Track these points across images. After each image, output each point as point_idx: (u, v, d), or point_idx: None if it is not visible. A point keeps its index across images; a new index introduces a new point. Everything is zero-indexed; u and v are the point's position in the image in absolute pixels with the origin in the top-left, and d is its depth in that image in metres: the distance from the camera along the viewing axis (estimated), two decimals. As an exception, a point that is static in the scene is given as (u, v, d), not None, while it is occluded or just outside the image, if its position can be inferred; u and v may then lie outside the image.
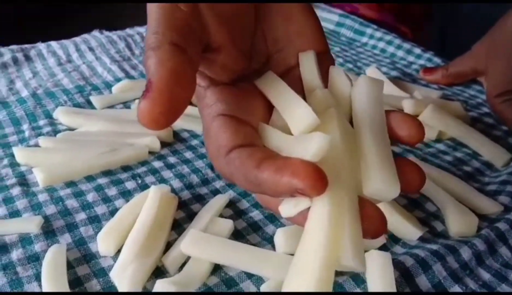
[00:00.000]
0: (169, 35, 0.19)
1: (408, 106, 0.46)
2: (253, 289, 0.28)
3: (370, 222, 0.20)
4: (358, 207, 0.20)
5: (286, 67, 0.25)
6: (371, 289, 0.26)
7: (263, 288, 0.27)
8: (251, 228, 0.32)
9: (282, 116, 0.23)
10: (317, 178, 0.17)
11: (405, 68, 0.60)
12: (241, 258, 0.27)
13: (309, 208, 0.19)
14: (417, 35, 0.72)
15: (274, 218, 0.33)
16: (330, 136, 0.19)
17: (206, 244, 0.28)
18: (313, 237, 0.18)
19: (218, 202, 0.33)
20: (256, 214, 0.33)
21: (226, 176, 0.21)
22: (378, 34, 0.67)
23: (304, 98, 0.24)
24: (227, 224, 0.31)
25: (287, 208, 0.20)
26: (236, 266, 0.28)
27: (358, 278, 0.27)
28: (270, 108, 0.24)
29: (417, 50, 0.63)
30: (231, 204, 0.34)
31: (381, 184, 0.20)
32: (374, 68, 0.56)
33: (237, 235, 0.31)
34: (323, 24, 0.27)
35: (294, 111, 0.22)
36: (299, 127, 0.21)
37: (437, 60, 0.60)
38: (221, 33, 0.22)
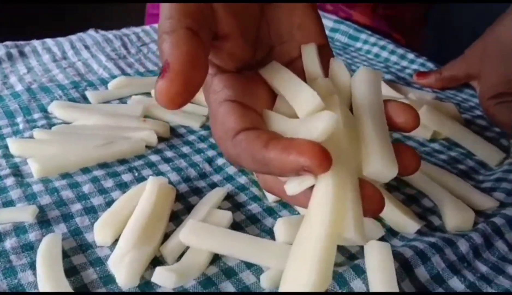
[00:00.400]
0: (183, 20, 0.20)
1: (403, 106, 0.47)
2: (252, 279, 0.27)
3: (370, 201, 0.20)
4: (358, 187, 0.20)
5: (288, 58, 0.26)
6: (371, 279, 0.26)
7: (263, 278, 0.27)
8: (249, 221, 0.32)
9: (287, 101, 0.23)
10: (323, 157, 0.18)
11: (399, 72, 0.61)
12: (240, 247, 0.27)
13: (312, 187, 0.20)
14: (410, 42, 0.73)
15: (272, 211, 0.33)
16: (337, 114, 0.19)
17: (205, 234, 0.28)
18: (318, 211, 0.19)
19: (216, 195, 0.33)
20: (254, 207, 0.33)
21: (233, 158, 0.22)
22: (372, 39, 0.68)
23: None
24: (226, 216, 0.31)
25: (292, 186, 0.21)
26: (235, 255, 0.28)
27: (358, 268, 0.27)
28: (273, 96, 0.25)
29: (411, 55, 0.64)
30: (229, 197, 0.34)
31: (380, 165, 0.21)
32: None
33: (235, 227, 0.31)
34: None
35: (299, 95, 0.22)
36: (304, 110, 0.22)
37: (430, 65, 0.61)
38: (229, 21, 0.23)
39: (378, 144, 0.21)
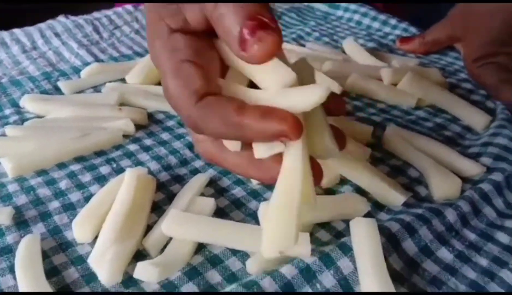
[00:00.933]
0: None
1: (386, 75, 0.46)
2: (238, 265, 0.27)
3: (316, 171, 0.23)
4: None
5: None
6: (358, 256, 0.26)
7: (249, 263, 0.26)
8: (234, 205, 0.31)
9: (240, 74, 0.23)
10: (299, 126, 0.20)
11: (381, 39, 0.59)
12: (225, 235, 0.27)
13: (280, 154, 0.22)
14: (390, 9, 0.71)
15: (257, 194, 0.32)
16: (328, 86, 0.20)
17: (188, 223, 0.27)
18: (293, 167, 0.21)
19: (198, 181, 0.32)
20: (238, 191, 0.32)
21: (196, 122, 0.22)
22: (353, 6, 0.66)
23: None
24: (209, 203, 0.30)
25: (262, 151, 0.22)
26: (220, 243, 0.27)
27: (345, 246, 0.26)
28: (225, 67, 0.25)
29: (393, 21, 0.62)
30: (212, 182, 0.33)
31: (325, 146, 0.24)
32: (351, 40, 0.55)
33: (220, 213, 0.30)
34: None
35: (272, 70, 0.22)
36: (279, 84, 0.22)
37: (412, 29, 0.60)
38: None
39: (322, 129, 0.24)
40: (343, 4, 0.67)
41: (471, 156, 0.36)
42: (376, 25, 0.63)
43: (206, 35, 0.24)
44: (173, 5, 0.24)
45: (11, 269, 0.26)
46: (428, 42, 0.54)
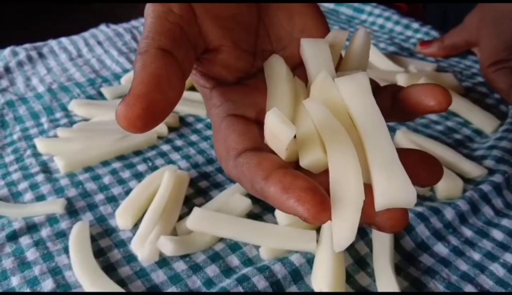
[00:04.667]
0: (158, 39, 0.19)
1: (401, 80, 0.48)
2: (254, 252, 0.31)
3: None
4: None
5: (292, 64, 0.24)
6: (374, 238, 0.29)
7: (262, 250, 0.30)
8: (253, 199, 0.35)
9: (277, 96, 0.22)
10: (322, 208, 0.17)
11: (402, 42, 0.61)
12: (243, 232, 0.31)
13: None
14: (414, 11, 0.73)
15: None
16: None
17: (207, 220, 0.31)
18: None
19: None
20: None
21: (234, 179, 0.21)
22: (377, 11, 0.68)
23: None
24: (245, 201, 0.34)
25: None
26: (239, 239, 0.31)
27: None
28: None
29: (415, 25, 0.64)
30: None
31: (395, 194, 0.18)
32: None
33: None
34: (322, 3, 0.26)
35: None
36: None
37: (434, 33, 0.62)
38: (218, 34, 0.22)
39: (386, 169, 0.18)
40: (368, 8, 0.69)
41: (476, 159, 0.38)
42: (398, 28, 0.65)
43: (251, 76, 0.24)
44: None
45: (66, 250, 0.31)
46: (447, 46, 0.56)
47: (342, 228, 0.17)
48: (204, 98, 0.24)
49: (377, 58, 0.55)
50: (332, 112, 0.20)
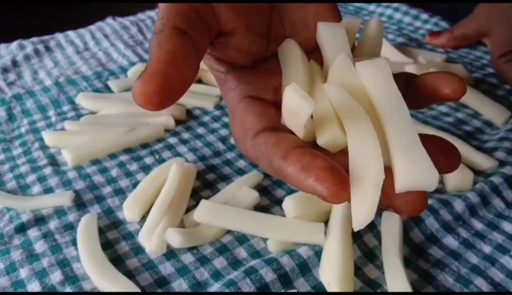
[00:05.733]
0: (173, 19, 0.20)
1: (410, 71, 0.48)
2: (262, 244, 0.31)
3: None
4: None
5: (306, 48, 0.24)
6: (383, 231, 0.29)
7: (269, 242, 0.30)
8: (261, 192, 0.35)
9: (294, 76, 0.22)
10: (341, 187, 0.17)
11: (411, 33, 0.61)
12: (251, 225, 0.30)
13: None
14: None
15: (282, 182, 0.36)
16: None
17: (214, 213, 0.31)
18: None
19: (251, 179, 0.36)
20: (266, 181, 0.36)
21: (252, 158, 0.21)
22: (385, 1, 0.68)
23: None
24: (252, 195, 0.33)
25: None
26: (244, 231, 0.31)
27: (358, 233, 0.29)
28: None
29: (424, 16, 0.63)
30: (242, 172, 0.37)
31: (418, 175, 0.18)
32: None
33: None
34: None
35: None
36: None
37: (443, 24, 0.61)
38: (232, 17, 0.22)
39: (408, 151, 0.18)
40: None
41: (487, 151, 0.38)
42: (407, 19, 0.64)
43: (264, 60, 0.24)
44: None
45: (74, 242, 0.32)
46: (457, 37, 0.55)
47: (361, 207, 0.17)
48: (219, 82, 0.24)
49: (386, 49, 0.54)
50: (351, 94, 0.20)
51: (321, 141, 0.19)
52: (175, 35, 0.19)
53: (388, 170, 0.18)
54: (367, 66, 0.20)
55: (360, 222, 0.17)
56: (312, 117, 0.20)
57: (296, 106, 0.19)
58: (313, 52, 0.24)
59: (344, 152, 0.19)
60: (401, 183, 0.17)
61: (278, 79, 0.23)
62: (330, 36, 0.23)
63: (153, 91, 0.18)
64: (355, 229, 0.18)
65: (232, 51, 0.23)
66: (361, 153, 0.18)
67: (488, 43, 0.53)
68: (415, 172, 0.17)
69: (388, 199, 0.18)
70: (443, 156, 0.19)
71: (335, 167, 0.17)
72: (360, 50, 0.23)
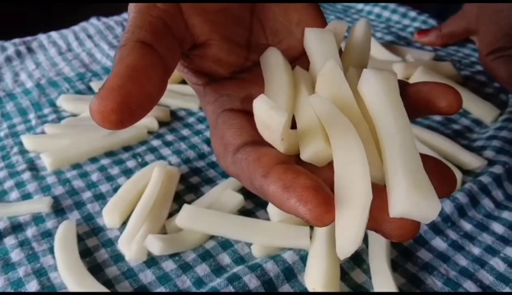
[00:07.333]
0: (137, 32, 0.19)
1: (398, 69, 0.47)
2: (246, 249, 0.30)
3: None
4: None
5: (288, 58, 0.23)
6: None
7: (253, 247, 0.29)
8: (245, 196, 0.34)
9: (277, 86, 0.21)
10: (324, 210, 0.16)
11: (400, 31, 0.60)
12: (234, 230, 0.30)
13: None
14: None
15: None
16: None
17: (197, 218, 0.30)
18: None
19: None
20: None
21: (233, 176, 0.20)
22: (373, -1, 0.67)
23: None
24: (237, 198, 0.33)
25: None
26: (224, 235, 0.30)
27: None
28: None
29: (412, 13, 0.63)
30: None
31: (417, 205, 0.16)
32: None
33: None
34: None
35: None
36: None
37: (432, 22, 0.60)
38: (207, 28, 0.21)
39: (409, 175, 0.16)
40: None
41: (476, 149, 0.37)
42: (395, 17, 0.64)
43: (245, 70, 0.23)
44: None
45: (51, 250, 0.30)
46: (445, 34, 0.55)
47: (346, 232, 0.16)
48: (198, 96, 0.23)
49: (374, 48, 0.54)
50: (339, 103, 0.19)
51: (305, 155, 0.18)
52: (138, 49, 0.18)
53: (378, 190, 0.16)
54: (374, 76, 0.19)
55: (345, 249, 0.16)
56: (296, 127, 0.19)
57: (267, 119, 0.17)
58: (297, 60, 0.23)
59: (331, 166, 0.18)
60: (398, 210, 0.16)
61: (261, 89, 0.22)
62: (318, 42, 0.22)
63: (110, 109, 0.16)
64: (341, 258, 0.16)
65: (210, 63, 0.22)
66: (347, 170, 0.17)
67: (476, 41, 0.53)
68: (416, 200, 0.15)
69: (377, 223, 0.17)
70: (437, 180, 0.17)
71: (319, 186, 0.16)
72: (346, 57, 0.22)
